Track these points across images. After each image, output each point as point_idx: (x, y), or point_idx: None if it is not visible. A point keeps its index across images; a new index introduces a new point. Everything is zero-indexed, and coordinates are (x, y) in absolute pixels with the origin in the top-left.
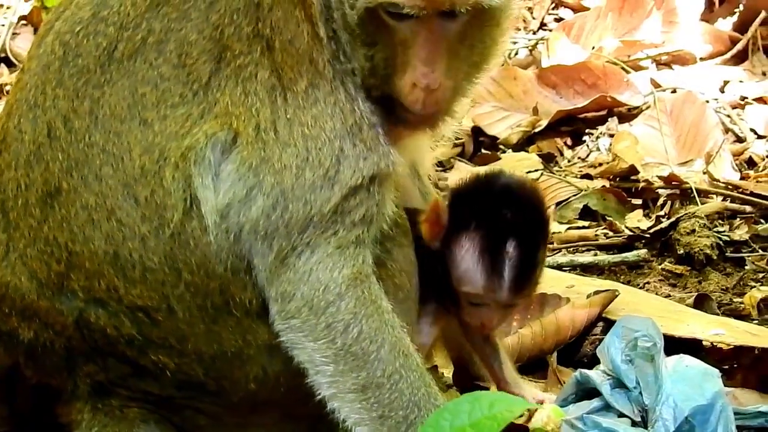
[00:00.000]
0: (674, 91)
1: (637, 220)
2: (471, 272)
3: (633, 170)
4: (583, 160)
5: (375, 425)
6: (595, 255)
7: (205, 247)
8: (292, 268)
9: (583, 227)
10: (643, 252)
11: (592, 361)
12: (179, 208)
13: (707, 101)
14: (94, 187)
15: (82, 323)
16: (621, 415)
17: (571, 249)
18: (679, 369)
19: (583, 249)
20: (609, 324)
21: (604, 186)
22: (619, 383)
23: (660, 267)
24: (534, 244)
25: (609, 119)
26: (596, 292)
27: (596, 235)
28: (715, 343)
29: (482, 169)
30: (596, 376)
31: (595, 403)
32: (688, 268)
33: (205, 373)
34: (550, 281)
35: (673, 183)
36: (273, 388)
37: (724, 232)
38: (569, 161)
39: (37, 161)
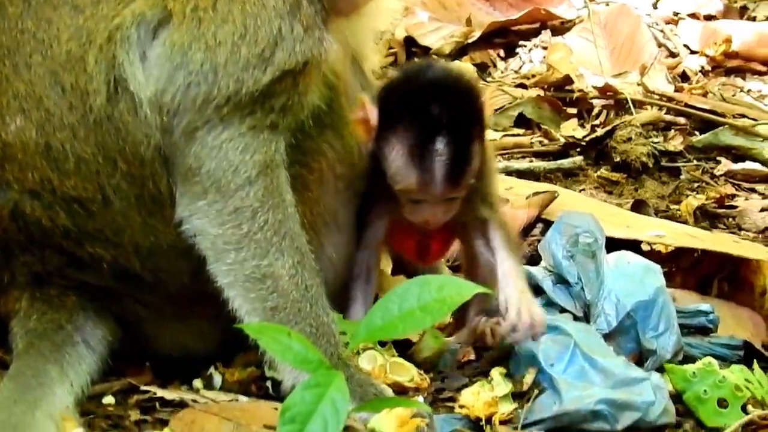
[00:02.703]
0: (607, 5)
1: (572, 129)
2: (402, 171)
3: (568, 80)
4: (516, 72)
5: (267, 316)
6: (531, 162)
7: (135, 133)
8: (200, 141)
9: (518, 135)
10: (578, 159)
11: (531, 262)
12: (102, 92)
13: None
14: (24, 76)
15: (18, 214)
16: (563, 310)
17: (506, 156)
18: (621, 265)
19: (519, 156)
20: (548, 225)
21: (539, 95)
22: (560, 279)
23: (596, 174)
24: (466, 137)
25: (542, 32)
26: (535, 194)
27: (531, 142)
28: (653, 246)
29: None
30: (538, 272)
31: (537, 301)
32: (624, 175)
33: (142, 266)
34: None
35: (608, 93)
36: (209, 281)
37: (659, 142)
38: (502, 72)
39: None
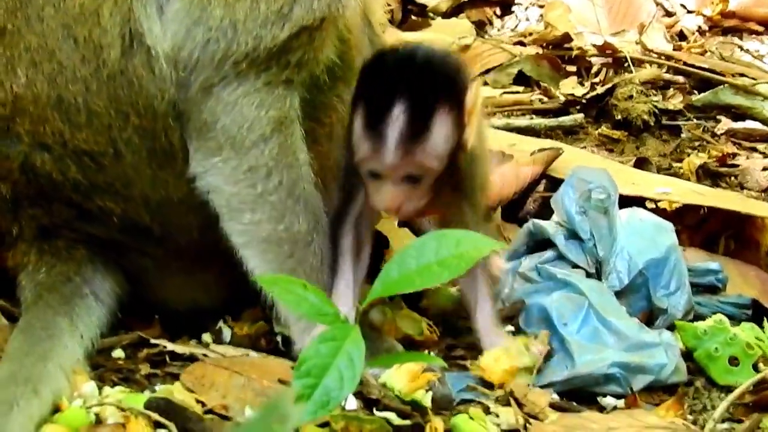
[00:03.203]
0: None
1: (571, 87)
2: (358, 138)
3: (566, 38)
4: (512, 30)
5: None
6: (531, 119)
7: (149, 87)
8: (215, 97)
9: (518, 92)
10: (579, 117)
11: (536, 218)
12: (116, 46)
13: None
14: (36, 28)
15: (28, 167)
16: (574, 266)
17: (507, 113)
18: (633, 222)
19: (519, 113)
20: (552, 181)
21: (537, 53)
22: (572, 234)
23: (596, 132)
24: (426, 109)
25: None
26: (540, 150)
27: (531, 100)
28: (658, 204)
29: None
30: (550, 227)
31: (548, 253)
32: (625, 133)
33: (151, 219)
34: (491, 140)
35: (607, 51)
36: (218, 236)
37: (658, 101)
38: (499, 30)
39: None
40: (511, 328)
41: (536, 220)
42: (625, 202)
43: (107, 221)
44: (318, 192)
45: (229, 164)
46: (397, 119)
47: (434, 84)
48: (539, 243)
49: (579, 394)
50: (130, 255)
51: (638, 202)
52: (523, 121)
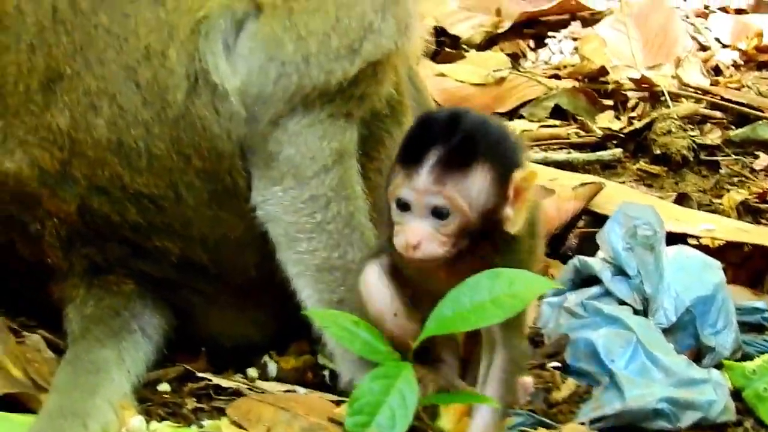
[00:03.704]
0: None
1: (608, 121)
2: (395, 169)
3: (602, 71)
4: (546, 62)
5: (333, 308)
6: (569, 153)
7: (213, 128)
8: (282, 127)
9: (555, 126)
10: (618, 151)
11: (579, 254)
12: (182, 87)
13: None
14: (96, 71)
15: (85, 209)
16: (621, 302)
17: (544, 147)
18: (679, 259)
19: (556, 147)
20: (594, 217)
21: (574, 86)
22: (619, 271)
23: (635, 167)
24: (469, 150)
25: (572, 23)
26: (582, 185)
27: (568, 134)
28: (701, 240)
29: None
30: (596, 263)
31: (595, 289)
32: (665, 168)
33: (209, 258)
34: None
35: (644, 85)
36: (273, 272)
37: (696, 136)
38: (533, 63)
39: (39, 45)
40: (556, 363)
41: (582, 257)
42: (669, 238)
43: (162, 260)
44: (371, 224)
45: (289, 194)
46: (437, 151)
47: (482, 138)
48: (585, 279)
49: None
50: (182, 291)
51: (680, 238)
52: (560, 156)
